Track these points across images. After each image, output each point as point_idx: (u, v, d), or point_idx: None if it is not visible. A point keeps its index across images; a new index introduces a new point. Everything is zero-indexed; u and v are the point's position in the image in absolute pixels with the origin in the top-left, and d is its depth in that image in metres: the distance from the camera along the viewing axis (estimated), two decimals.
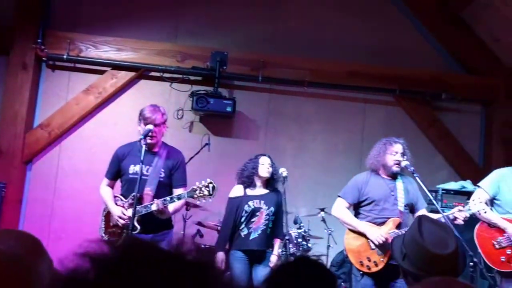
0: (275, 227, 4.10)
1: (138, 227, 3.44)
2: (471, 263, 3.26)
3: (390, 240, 3.71)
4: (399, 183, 3.89)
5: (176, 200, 3.46)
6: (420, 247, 1.81)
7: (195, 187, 3.44)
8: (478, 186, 4.04)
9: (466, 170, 5.73)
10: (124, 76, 5.58)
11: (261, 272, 3.92)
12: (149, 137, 3.53)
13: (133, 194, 3.45)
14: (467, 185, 5.28)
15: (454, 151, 5.82)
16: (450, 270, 1.85)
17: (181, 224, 4.80)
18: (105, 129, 5.56)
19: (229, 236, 4.03)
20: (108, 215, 3.69)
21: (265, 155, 4.24)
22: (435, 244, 1.86)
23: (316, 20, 5.90)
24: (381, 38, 5.90)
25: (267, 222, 4.04)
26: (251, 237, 4.00)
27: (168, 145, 3.79)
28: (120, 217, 3.53)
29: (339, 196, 3.96)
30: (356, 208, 3.92)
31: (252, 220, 4.02)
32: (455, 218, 3.68)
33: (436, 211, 3.80)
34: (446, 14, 5.76)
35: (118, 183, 3.83)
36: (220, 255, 3.96)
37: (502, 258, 3.79)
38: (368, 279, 3.77)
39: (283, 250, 3.92)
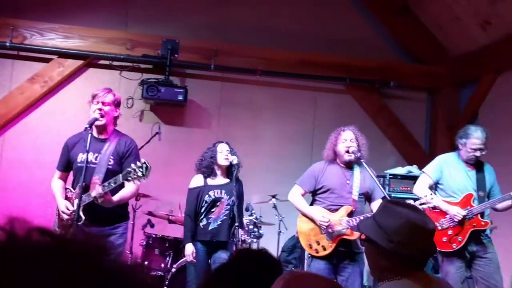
0: (236, 216, 3.98)
1: (83, 217, 3.29)
2: None
3: (337, 227, 3.79)
4: (356, 172, 3.92)
5: (112, 184, 3.28)
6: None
7: (129, 169, 3.27)
8: (423, 172, 4.18)
9: (413, 155, 5.92)
10: (72, 64, 5.44)
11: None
12: (98, 119, 3.41)
13: (79, 184, 3.31)
14: (414, 170, 5.45)
15: (401, 138, 5.99)
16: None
17: (131, 215, 4.74)
18: (52, 119, 5.41)
19: (193, 227, 3.93)
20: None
21: (223, 142, 4.12)
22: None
23: (267, 9, 5.92)
24: (331, 27, 5.98)
25: (227, 212, 3.95)
26: (209, 228, 3.93)
27: (120, 133, 3.62)
28: (63, 212, 3.40)
29: (296, 183, 4.01)
30: (314, 194, 3.99)
31: (212, 210, 3.95)
32: None
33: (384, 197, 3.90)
34: (393, 4, 5.89)
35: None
36: (189, 247, 3.87)
37: (444, 239, 3.94)
38: (320, 262, 3.84)
39: (233, 237, 3.89)
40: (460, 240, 3.88)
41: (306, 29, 5.94)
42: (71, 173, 3.60)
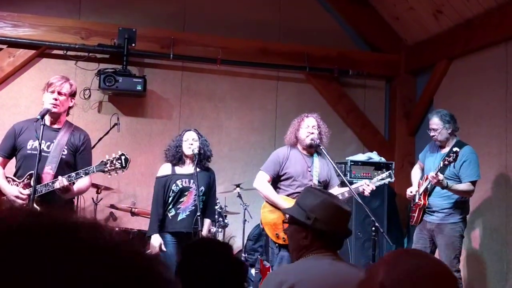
0: (205, 207, 3.86)
1: (37, 208, 3.07)
2: (373, 228, 3.50)
3: None
4: (316, 160, 3.98)
5: (83, 175, 3.18)
6: (334, 207, 1.94)
7: (104, 160, 3.20)
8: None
9: (373, 142, 6.06)
10: (23, 54, 5.19)
11: None
12: (51, 109, 3.24)
13: (30, 172, 3.15)
14: (374, 156, 5.59)
15: (361, 125, 6.11)
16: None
17: (93, 208, 4.61)
18: (4, 111, 5.16)
19: (160, 217, 3.75)
20: None
21: (191, 130, 3.96)
22: (343, 204, 2.03)
23: None
24: (290, 16, 6.00)
25: (196, 202, 3.76)
26: (178, 218, 3.77)
27: (72, 124, 3.50)
28: (17, 197, 3.17)
29: (261, 170, 3.98)
30: (276, 182, 3.96)
31: (181, 200, 3.78)
32: (363, 191, 3.88)
33: (344, 184, 3.99)
34: None
35: (10, 164, 3.44)
36: (155, 239, 3.68)
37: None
38: (285, 251, 3.85)
39: (195, 226, 3.77)
40: (414, 215, 4.27)
41: (265, 18, 5.94)
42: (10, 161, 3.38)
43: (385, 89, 6.30)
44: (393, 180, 4.17)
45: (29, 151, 3.25)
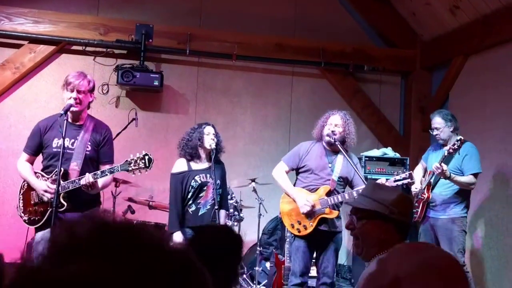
0: (221, 199, 3.89)
1: (65, 204, 3.26)
2: None
3: (317, 206, 3.87)
4: (340, 157, 3.99)
5: (108, 174, 3.30)
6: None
7: (129, 159, 3.29)
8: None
9: (388, 138, 6.06)
10: (44, 50, 5.30)
11: None
12: (73, 105, 3.33)
13: (57, 169, 3.27)
14: (388, 152, 5.59)
15: (376, 121, 6.11)
16: None
17: (111, 201, 4.71)
18: (25, 106, 5.29)
19: (180, 213, 3.75)
20: (26, 192, 3.43)
21: (209, 124, 3.94)
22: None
23: None
24: (306, 12, 6.02)
25: (214, 196, 3.77)
26: (200, 213, 3.77)
27: (95, 118, 3.60)
28: (46, 191, 3.29)
29: (282, 160, 4.13)
30: (296, 174, 4.10)
31: (200, 195, 3.78)
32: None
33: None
34: None
35: (38, 160, 3.58)
36: (178, 236, 3.67)
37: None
38: (300, 241, 3.94)
39: (214, 219, 3.83)
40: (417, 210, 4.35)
41: (281, 13, 5.96)
42: (37, 157, 3.52)
43: (400, 84, 6.29)
44: (413, 181, 4.10)
45: (55, 149, 3.37)
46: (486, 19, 4.99)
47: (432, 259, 1.09)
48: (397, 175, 3.93)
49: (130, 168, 3.27)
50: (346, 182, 4.03)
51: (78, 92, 3.35)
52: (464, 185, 4.16)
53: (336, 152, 4.02)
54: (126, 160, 3.29)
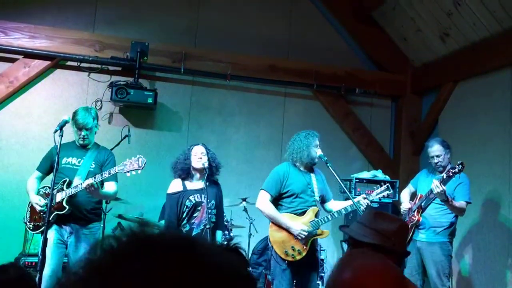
0: (216, 220, 3.91)
1: (67, 207, 3.72)
2: None
3: (309, 229, 3.86)
4: (313, 176, 4.06)
5: (106, 175, 3.68)
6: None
7: (125, 162, 3.71)
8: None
9: (378, 160, 6.13)
10: (38, 65, 5.32)
11: None
12: (81, 139, 3.91)
13: (64, 179, 3.79)
14: (379, 174, 5.65)
15: (367, 143, 6.18)
16: None
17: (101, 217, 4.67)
18: (19, 120, 5.28)
19: None
20: (32, 206, 3.91)
21: (198, 144, 3.99)
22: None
23: (237, 14, 6.00)
24: (300, 34, 6.13)
25: (209, 216, 3.77)
26: (193, 233, 3.76)
27: (99, 144, 4.09)
28: (37, 203, 3.82)
29: (262, 189, 3.98)
30: (277, 199, 3.97)
31: (194, 215, 3.80)
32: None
33: (349, 199, 4.05)
34: (360, 14, 6.09)
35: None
36: None
37: None
38: (292, 267, 3.86)
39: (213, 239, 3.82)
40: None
41: (275, 35, 6.06)
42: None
43: (391, 108, 6.39)
44: (391, 191, 4.23)
45: (63, 165, 3.88)
46: (475, 47, 5.12)
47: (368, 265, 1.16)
48: (377, 188, 4.09)
49: (126, 169, 3.69)
50: (322, 198, 4.12)
51: (86, 129, 3.86)
52: (456, 210, 4.19)
53: (310, 171, 4.08)
54: (123, 162, 3.74)
